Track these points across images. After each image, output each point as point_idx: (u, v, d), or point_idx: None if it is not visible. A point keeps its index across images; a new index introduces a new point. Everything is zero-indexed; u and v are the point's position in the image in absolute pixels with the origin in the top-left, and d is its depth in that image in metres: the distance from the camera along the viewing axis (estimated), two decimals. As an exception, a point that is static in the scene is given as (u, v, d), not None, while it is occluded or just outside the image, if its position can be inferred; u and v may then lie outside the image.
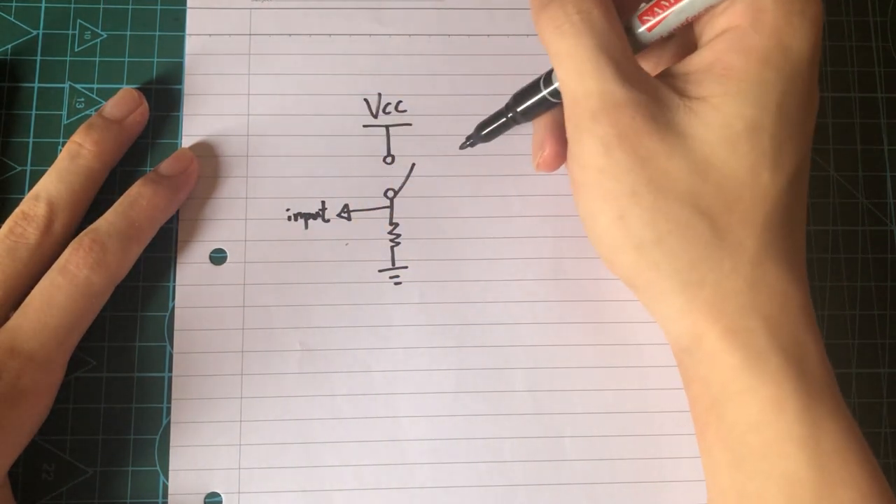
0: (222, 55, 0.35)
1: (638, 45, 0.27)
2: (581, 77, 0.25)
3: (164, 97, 0.34)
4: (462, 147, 0.32)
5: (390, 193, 0.34)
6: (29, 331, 0.29)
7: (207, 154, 0.34)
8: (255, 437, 0.32)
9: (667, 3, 0.26)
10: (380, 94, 0.35)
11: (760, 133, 0.24)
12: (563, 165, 0.29)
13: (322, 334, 0.33)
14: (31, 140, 0.34)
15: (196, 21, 0.35)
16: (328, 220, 0.34)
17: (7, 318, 0.29)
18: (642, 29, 0.26)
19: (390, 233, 0.34)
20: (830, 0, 0.37)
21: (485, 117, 0.31)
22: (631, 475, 0.32)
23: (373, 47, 0.35)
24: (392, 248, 0.34)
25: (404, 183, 0.34)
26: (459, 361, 0.33)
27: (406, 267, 0.33)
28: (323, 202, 0.34)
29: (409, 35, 0.35)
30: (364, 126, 0.34)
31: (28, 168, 0.34)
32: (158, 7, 0.35)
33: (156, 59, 0.35)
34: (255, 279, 0.33)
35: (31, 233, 0.30)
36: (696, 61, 0.26)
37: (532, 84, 0.29)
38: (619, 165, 0.24)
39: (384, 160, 0.34)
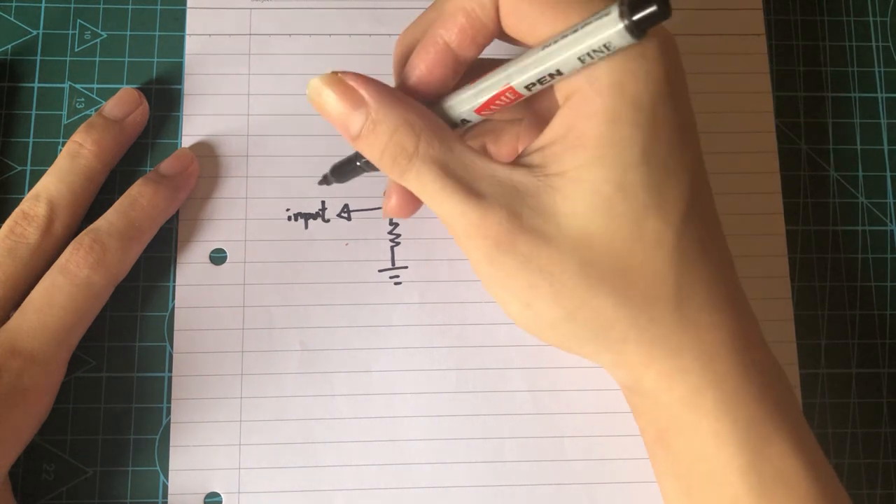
0: (222, 55, 0.35)
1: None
2: (438, 206, 0.25)
3: (164, 97, 0.34)
4: (319, 184, 0.31)
5: (390, 193, 0.34)
6: (29, 331, 0.29)
7: (207, 154, 0.34)
8: (255, 437, 0.32)
9: (502, 101, 0.25)
10: (380, 94, 0.35)
11: (632, 188, 0.24)
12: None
13: (322, 334, 0.33)
14: (31, 140, 0.34)
15: (196, 21, 0.35)
16: (328, 220, 0.34)
17: (7, 318, 0.29)
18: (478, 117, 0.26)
19: (390, 233, 0.34)
20: (830, 0, 0.37)
21: (340, 159, 0.30)
22: (631, 475, 0.32)
23: (373, 47, 0.35)
24: (392, 248, 0.34)
25: (404, 183, 0.34)
26: (459, 361, 0.33)
27: (406, 267, 0.33)
28: (323, 202, 0.34)
29: (409, 35, 0.35)
30: (364, 126, 0.34)
31: (28, 168, 0.34)
32: (158, 7, 0.35)
33: (156, 59, 0.35)
34: (255, 279, 0.33)
35: (32, 233, 0.30)
36: (549, 135, 0.25)
37: None
38: (507, 268, 0.24)
39: (384, 160, 0.34)
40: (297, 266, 0.33)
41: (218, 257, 0.33)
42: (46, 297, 0.29)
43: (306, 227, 0.34)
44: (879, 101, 0.36)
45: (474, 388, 0.33)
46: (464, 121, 0.26)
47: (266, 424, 0.32)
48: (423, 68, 0.26)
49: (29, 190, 0.32)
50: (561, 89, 0.24)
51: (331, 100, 0.26)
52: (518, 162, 0.25)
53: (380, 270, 0.33)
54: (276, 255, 0.33)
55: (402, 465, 0.32)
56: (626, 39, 0.22)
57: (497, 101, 0.25)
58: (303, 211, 0.34)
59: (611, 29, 0.22)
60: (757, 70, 0.36)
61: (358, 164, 0.29)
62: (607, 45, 0.22)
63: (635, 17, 0.21)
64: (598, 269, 0.24)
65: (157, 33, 0.35)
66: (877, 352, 0.34)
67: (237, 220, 0.33)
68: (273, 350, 0.32)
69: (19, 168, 0.34)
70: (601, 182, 0.23)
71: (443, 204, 0.25)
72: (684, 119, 0.25)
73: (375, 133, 0.25)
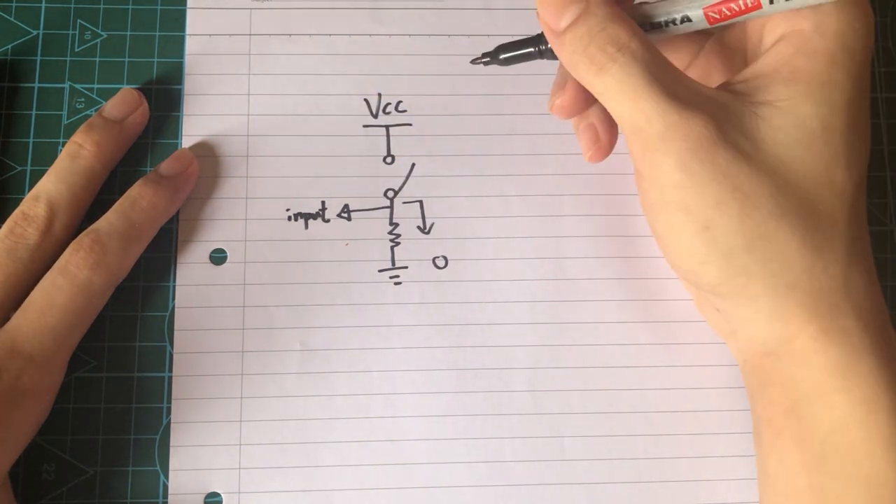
0: (222, 55, 0.35)
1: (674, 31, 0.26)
2: (638, 108, 0.24)
3: (164, 97, 0.34)
4: (474, 62, 0.30)
5: (390, 193, 0.34)
6: (29, 331, 0.29)
7: (207, 154, 0.34)
8: (255, 437, 0.32)
9: (737, 8, 0.25)
10: (380, 94, 0.35)
11: (833, 133, 0.24)
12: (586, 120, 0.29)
13: (322, 334, 0.33)
14: (31, 140, 0.34)
15: (196, 21, 0.35)
16: (328, 220, 0.34)
17: (7, 319, 0.29)
18: (703, 22, 0.25)
19: (390, 233, 0.34)
20: (830, 0, 0.37)
21: (508, 40, 0.29)
22: (631, 475, 0.32)
23: (373, 47, 0.35)
24: (392, 248, 0.34)
25: (404, 183, 0.34)
26: (459, 361, 0.33)
27: (406, 267, 0.33)
28: (323, 202, 0.34)
29: (409, 35, 0.35)
30: (364, 126, 0.34)
31: (28, 168, 0.34)
32: (158, 7, 0.35)
33: (156, 59, 0.35)
34: (255, 279, 0.33)
35: (32, 233, 0.30)
36: (759, 67, 0.25)
37: None
38: (699, 178, 0.24)
39: (384, 160, 0.34)
40: (297, 266, 0.33)
41: (218, 257, 0.33)
42: (46, 298, 0.29)
43: (306, 227, 0.34)
44: (879, 101, 0.36)
45: (474, 388, 0.33)
46: (665, 23, 0.26)
47: (266, 424, 0.32)
48: None
49: (29, 190, 0.32)
50: (777, 29, 0.25)
51: None
52: (721, 88, 0.26)
53: (380, 270, 0.33)
54: (276, 255, 0.33)
55: (402, 465, 0.32)
56: None
57: (729, 7, 0.25)
58: (303, 211, 0.34)
59: None
60: (757, 70, 0.36)
61: (537, 49, 0.28)
62: None
63: None
64: (788, 203, 0.24)
65: (157, 33, 0.35)
66: (877, 352, 0.34)
67: (237, 220, 0.33)
68: (273, 350, 0.32)
69: (19, 168, 0.34)
70: (809, 117, 0.24)
71: (643, 106, 0.24)
72: (868, 89, 0.26)
73: (589, 24, 0.24)
